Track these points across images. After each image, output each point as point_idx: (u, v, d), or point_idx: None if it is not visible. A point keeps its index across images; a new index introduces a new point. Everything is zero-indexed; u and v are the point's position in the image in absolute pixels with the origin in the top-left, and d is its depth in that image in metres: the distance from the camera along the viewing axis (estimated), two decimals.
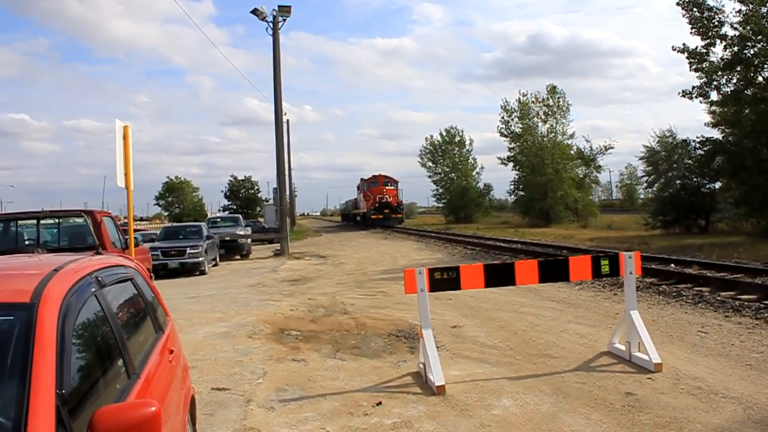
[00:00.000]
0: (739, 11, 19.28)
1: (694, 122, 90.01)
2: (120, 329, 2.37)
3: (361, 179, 49.37)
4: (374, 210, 44.55)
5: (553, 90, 41.96)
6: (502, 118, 43.47)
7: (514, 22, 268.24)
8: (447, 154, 57.35)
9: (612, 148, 41.30)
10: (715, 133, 22.25)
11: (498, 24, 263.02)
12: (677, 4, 20.55)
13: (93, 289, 2.25)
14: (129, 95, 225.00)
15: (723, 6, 19.83)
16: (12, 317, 1.77)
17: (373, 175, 47.30)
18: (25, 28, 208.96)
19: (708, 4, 19.91)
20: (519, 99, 42.69)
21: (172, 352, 3.08)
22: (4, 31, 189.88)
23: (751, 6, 18.99)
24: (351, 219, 57.59)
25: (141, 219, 78.67)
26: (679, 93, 21.31)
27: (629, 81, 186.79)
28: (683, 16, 20.47)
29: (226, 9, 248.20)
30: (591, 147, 41.70)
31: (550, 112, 41.79)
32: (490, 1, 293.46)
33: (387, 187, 45.76)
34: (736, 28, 19.34)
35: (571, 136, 41.91)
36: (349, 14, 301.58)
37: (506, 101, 43.57)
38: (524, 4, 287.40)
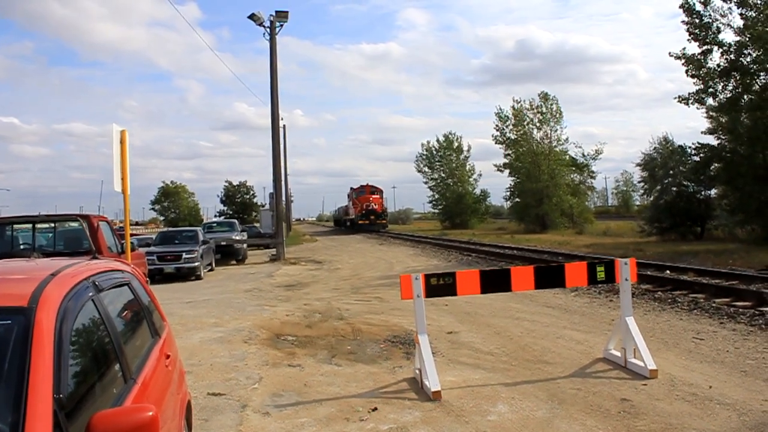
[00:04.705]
0: (743, 15, 19.29)
1: (687, 129, 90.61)
2: (117, 334, 2.37)
3: (351, 188, 53.19)
4: (361, 216, 48.51)
5: (545, 97, 42.22)
6: (497, 125, 43.79)
7: (500, 27, 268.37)
8: (444, 160, 57.56)
9: (601, 152, 41.56)
10: (711, 140, 22.35)
11: (485, 29, 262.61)
12: (680, 6, 20.51)
13: (90, 294, 2.25)
14: (118, 99, 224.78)
15: (731, 9, 19.82)
16: (9, 321, 1.77)
17: (361, 185, 51.61)
18: (9, 31, 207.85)
19: (713, 6, 19.89)
20: (513, 106, 43.02)
21: (168, 357, 3.08)
22: None
23: (754, 13, 19.00)
24: (342, 224, 60.54)
25: (137, 223, 78.60)
26: (675, 98, 21.34)
27: (619, 87, 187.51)
28: (683, 23, 20.50)
29: (212, 13, 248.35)
30: (583, 153, 41.95)
31: (544, 119, 42.03)
32: (475, 7, 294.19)
33: (373, 196, 50.05)
34: (738, 33, 19.33)
35: (565, 140, 42.21)
36: (335, 19, 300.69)
37: (500, 108, 43.99)
38: (510, 9, 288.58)
